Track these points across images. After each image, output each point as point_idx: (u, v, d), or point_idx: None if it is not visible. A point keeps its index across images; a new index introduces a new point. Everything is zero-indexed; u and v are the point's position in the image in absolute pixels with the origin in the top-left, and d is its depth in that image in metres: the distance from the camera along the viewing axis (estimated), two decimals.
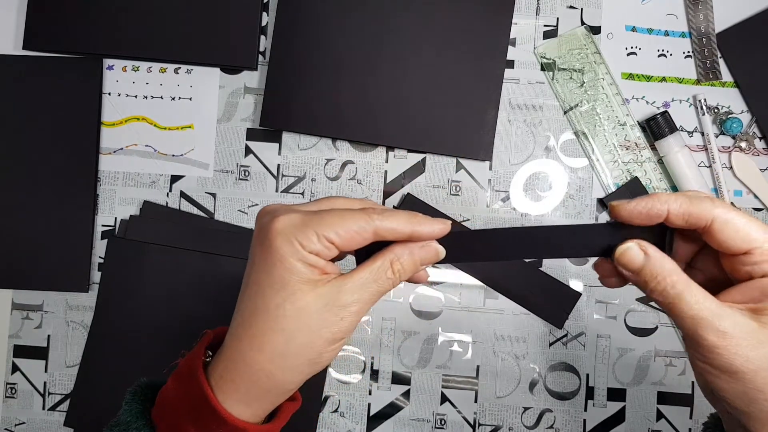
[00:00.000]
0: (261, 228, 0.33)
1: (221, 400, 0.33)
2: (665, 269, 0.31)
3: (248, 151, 0.61)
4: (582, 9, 0.61)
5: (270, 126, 0.61)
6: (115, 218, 0.61)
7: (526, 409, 0.60)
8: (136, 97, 0.62)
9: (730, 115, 0.60)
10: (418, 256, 0.34)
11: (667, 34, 0.61)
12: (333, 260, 0.33)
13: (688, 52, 0.61)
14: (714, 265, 0.34)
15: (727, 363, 0.29)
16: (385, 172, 0.61)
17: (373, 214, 0.32)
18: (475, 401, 0.60)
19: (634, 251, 0.32)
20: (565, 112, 0.61)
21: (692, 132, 0.61)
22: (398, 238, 0.33)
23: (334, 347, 0.34)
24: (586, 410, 0.60)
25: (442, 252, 0.34)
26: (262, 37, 0.62)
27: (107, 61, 0.62)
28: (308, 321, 0.32)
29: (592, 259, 0.60)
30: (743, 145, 0.60)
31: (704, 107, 0.60)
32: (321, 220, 0.32)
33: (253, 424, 0.34)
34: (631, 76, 0.61)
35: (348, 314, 0.33)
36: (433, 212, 0.60)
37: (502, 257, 0.35)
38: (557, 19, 0.61)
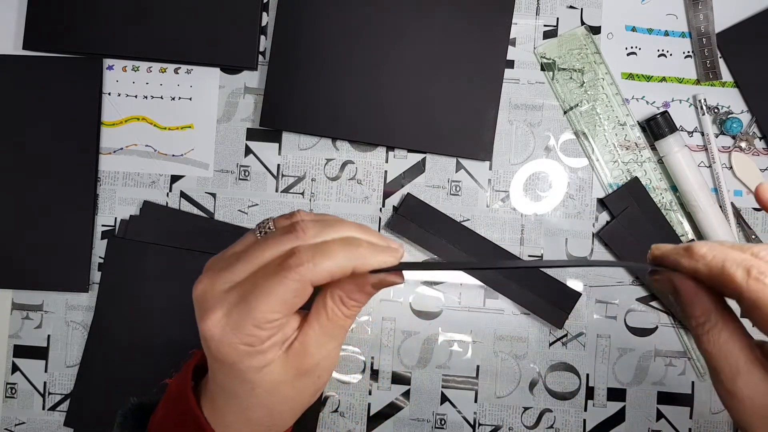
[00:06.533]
0: (200, 332, 0.30)
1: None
2: (692, 303, 0.28)
3: (248, 151, 0.61)
4: (582, 9, 0.61)
5: (270, 126, 0.61)
6: (115, 218, 0.61)
7: (526, 409, 0.60)
8: (136, 97, 0.62)
9: (730, 115, 0.60)
10: (370, 286, 0.30)
11: (667, 34, 0.61)
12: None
13: (688, 52, 0.61)
14: None
15: (732, 412, 0.28)
16: (385, 172, 0.61)
17: (301, 268, 0.28)
18: (475, 401, 0.60)
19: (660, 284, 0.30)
20: (565, 112, 0.61)
21: (692, 132, 0.61)
22: (342, 276, 0.29)
23: (318, 394, 0.32)
24: (586, 410, 0.60)
25: (399, 280, 0.31)
26: (262, 37, 0.62)
27: (107, 61, 0.62)
28: (284, 392, 0.30)
29: (592, 259, 0.60)
30: (743, 145, 0.60)
31: (704, 107, 0.60)
32: (249, 308, 0.28)
33: None
34: (631, 76, 0.61)
35: (322, 371, 0.31)
36: (433, 212, 0.60)
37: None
38: (557, 19, 0.61)
